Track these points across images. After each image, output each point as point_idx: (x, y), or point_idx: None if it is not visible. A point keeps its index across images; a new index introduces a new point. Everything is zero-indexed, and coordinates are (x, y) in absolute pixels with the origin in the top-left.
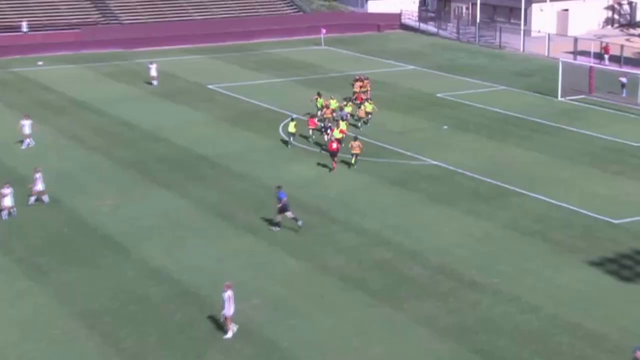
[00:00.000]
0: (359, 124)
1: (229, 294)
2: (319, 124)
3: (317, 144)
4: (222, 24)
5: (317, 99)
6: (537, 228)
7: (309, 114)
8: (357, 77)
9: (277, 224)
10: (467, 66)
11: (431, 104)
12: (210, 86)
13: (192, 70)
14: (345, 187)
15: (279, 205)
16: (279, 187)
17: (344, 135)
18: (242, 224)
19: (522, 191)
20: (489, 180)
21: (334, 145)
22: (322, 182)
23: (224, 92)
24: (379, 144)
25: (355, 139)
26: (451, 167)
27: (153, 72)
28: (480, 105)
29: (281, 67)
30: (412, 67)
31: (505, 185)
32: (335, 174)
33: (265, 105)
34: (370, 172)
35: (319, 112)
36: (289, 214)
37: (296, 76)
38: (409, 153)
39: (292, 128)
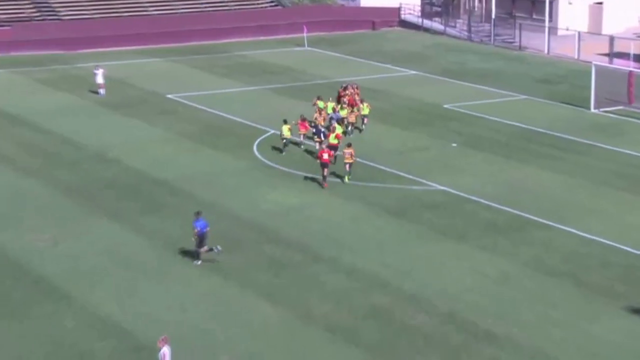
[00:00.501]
0: (349, 129)
1: (164, 351)
2: (310, 128)
3: (309, 152)
4: (184, 21)
5: (316, 102)
6: (567, 268)
7: (302, 116)
8: (345, 86)
9: (198, 255)
10: (480, 71)
11: (437, 117)
12: (170, 96)
13: (147, 77)
14: (334, 218)
15: (196, 236)
16: (197, 214)
17: (340, 141)
18: (209, 264)
19: (548, 222)
20: (507, 209)
21: (325, 156)
22: (305, 211)
23: (187, 102)
24: (373, 165)
25: (349, 145)
26: (461, 194)
27: (100, 79)
28: (497, 119)
29: (256, 73)
30: (413, 72)
31: (527, 216)
32: (321, 202)
33: (237, 119)
34: (364, 200)
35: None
36: (203, 249)
37: (274, 83)
38: (409, 176)
39: (286, 132)
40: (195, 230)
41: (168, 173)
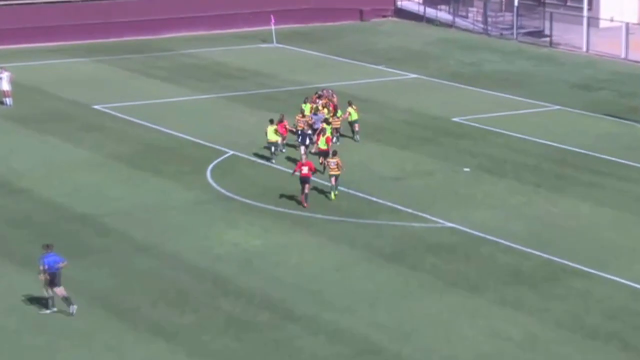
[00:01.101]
0: (334, 138)
1: None
2: (289, 132)
3: (290, 159)
4: (114, 10)
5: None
6: (612, 328)
7: (281, 115)
8: (319, 93)
9: (45, 303)
10: (499, 74)
11: (444, 133)
12: (97, 106)
13: (67, 82)
14: (311, 264)
15: (43, 274)
16: (47, 247)
17: (329, 146)
18: (148, 324)
19: (588, 269)
20: (535, 252)
21: (305, 169)
22: (274, 255)
23: (120, 115)
24: (362, 195)
25: (334, 154)
26: (475, 232)
27: (4, 85)
28: (522, 136)
29: (209, 77)
30: (413, 75)
31: (561, 261)
32: (295, 243)
33: (184, 137)
34: (350, 241)
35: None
36: (59, 290)
37: (233, 90)
38: (409, 210)
39: (271, 135)
40: (42, 268)
41: (94, 207)
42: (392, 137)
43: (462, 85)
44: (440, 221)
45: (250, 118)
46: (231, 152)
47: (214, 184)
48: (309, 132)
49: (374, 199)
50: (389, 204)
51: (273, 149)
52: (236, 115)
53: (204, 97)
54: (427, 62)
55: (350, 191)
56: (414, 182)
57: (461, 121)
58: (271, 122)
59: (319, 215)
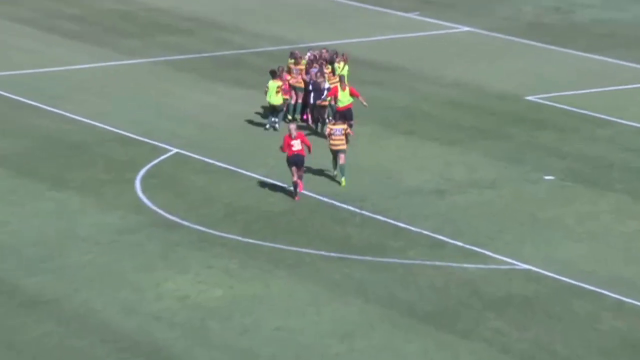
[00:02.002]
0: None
1: None
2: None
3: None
4: None
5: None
6: None
7: (281, 68)
8: (313, 54)
9: None
10: (601, 27)
11: (513, 120)
12: None
13: None
14: (300, 330)
15: None
16: None
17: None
18: None
19: None
20: None
21: (297, 145)
22: (242, 315)
23: None
24: (384, 220)
25: (344, 120)
26: (564, 279)
27: None
28: (638, 125)
29: (141, 32)
30: (465, 28)
31: None
32: (273, 295)
33: (102, 126)
34: (365, 291)
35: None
36: None
37: (178, 53)
38: (458, 242)
39: (273, 96)
40: None
41: None
42: (430, 126)
43: (543, 45)
44: (508, 260)
45: (204, 96)
46: (174, 150)
47: (147, 202)
48: (326, 85)
49: (402, 225)
50: (426, 232)
51: (273, 119)
52: (182, 91)
53: (132, 62)
54: (487, 6)
55: (364, 212)
56: (465, 198)
57: (541, 101)
58: (273, 74)
59: (313, 251)
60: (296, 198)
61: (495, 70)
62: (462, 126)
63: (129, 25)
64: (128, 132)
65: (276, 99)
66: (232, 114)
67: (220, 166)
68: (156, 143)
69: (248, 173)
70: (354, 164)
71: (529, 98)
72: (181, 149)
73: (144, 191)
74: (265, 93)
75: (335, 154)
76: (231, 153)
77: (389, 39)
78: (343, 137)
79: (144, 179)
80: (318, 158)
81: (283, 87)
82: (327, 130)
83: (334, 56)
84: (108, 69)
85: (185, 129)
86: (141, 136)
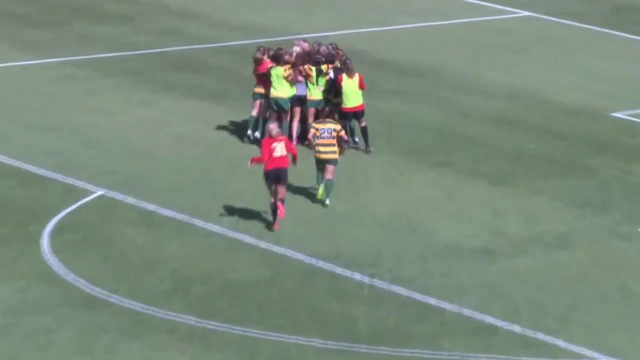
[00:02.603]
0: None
1: None
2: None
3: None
4: None
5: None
6: None
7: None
8: (317, 46)
9: None
10: None
11: (592, 146)
12: None
13: None
14: None
15: None
16: None
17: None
18: None
19: None
20: None
21: (279, 149)
22: None
23: None
24: (409, 294)
25: (331, 113)
26: None
27: None
28: None
29: (54, 17)
30: (524, 13)
31: None
32: None
33: None
34: None
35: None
36: None
37: (103, 49)
38: (515, 328)
39: (280, 85)
40: None
41: None
42: (473, 156)
43: (635, 37)
44: (588, 354)
45: (142, 111)
46: (99, 191)
47: (58, 267)
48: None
49: (433, 302)
50: (468, 312)
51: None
52: (111, 105)
53: (37, 63)
54: None
55: (377, 283)
56: (524, 261)
57: (635, 119)
58: (277, 59)
59: (302, 340)
60: (274, 226)
61: (566, 73)
62: (519, 155)
63: (33, 10)
64: (32, 164)
65: (285, 91)
66: (183, 136)
67: (165, 215)
68: (73, 181)
69: (207, 225)
70: (362, 210)
71: (617, 114)
72: (109, 190)
73: (54, 252)
74: (272, 84)
75: (321, 164)
76: (182, 195)
77: (413, 29)
78: (334, 142)
79: (54, 234)
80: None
81: (292, 76)
82: (310, 132)
83: (334, 53)
84: (4, 71)
85: (116, 160)
86: (51, 171)
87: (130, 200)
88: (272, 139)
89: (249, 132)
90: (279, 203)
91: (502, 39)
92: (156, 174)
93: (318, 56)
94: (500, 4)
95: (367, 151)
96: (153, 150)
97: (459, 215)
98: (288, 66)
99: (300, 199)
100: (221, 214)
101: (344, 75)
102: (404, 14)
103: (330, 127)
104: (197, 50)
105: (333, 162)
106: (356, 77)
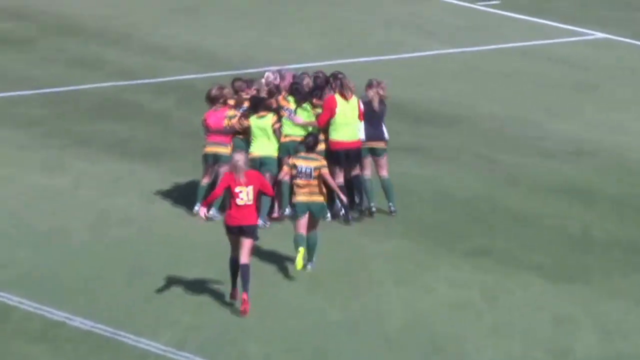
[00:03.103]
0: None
1: None
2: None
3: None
4: None
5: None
6: None
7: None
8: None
9: None
10: None
11: None
12: None
13: None
14: None
15: None
16: None
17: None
18: None
19: None
20: None
21: (242, 199)
22: None
23: None
24: None
25: (315, 144)
26: None
27: None
28: None
29: None
30: (600, 34)
31: None
32: None
33: None
34: None
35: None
36: None
37: (25, 87)
38: None
39: (266, 144)
40: None
41: None
42: (520, 237)
43: None
44: None
45: (43, 176)
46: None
47: None
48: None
49: None
50: None
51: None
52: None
53: None
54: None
55: None
56: None
57: None
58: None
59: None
60: (243, 309)
61: None
62: (589, 240)
63: None
64: None
65: (267, 150)
66: (105, 212)
67: (80, 327)
68: None
69: (139, 342)
70: (364, 319)
71: None
72: None
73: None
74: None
75: (299, 211)
76: (103, 298)
77: (434, 56)
78: (316, 183)
79: None
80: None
81: (276, 125)
82: (283, 171)
83: (327, 83)
84: None
85: (7, 248)
86: None
87: (28, 306)
88: (236, 177)
89: (197, 207)
90: (243, 294)
91: (565, 70)
92: (66, 267)
93: (297, 84)
94: (565, 23)
95: (390, 212)
96: (62, 234)
97: (503, 326)
98: (271, 117)
99: (277, 291)
100: (159, 326)
101: (336, 96)
102: (419, 34)
103: (311, 165)
104: (123, 88)
105: (320, 209)
106: (354, 100)
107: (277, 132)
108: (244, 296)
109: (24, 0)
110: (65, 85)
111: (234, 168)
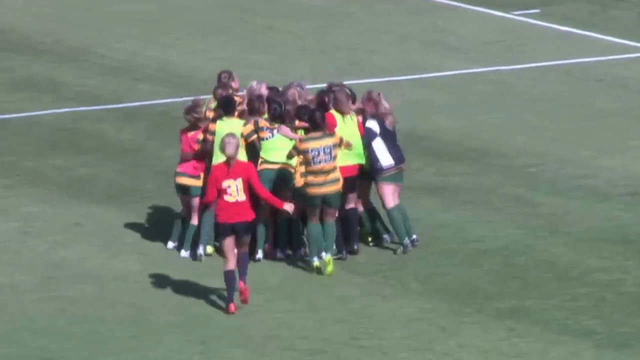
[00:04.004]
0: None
1: None
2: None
3: None
4: None
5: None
6: None
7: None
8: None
9: None
10: None
11: None
12: None
13: None
14: None
15: None
16: None
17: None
18: None
19: None
20: None
21: (233, 195)
22: None
23: None
24: None
25: (319, 122)
26: None
27: None
28: None
29: None
30: None
31: None
32: None
33: None
34: None
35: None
36: None
37: None
38: None
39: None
40: None
41: None
42: (562, 295)
43: None
44: None
45: None
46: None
47: None
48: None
49: None
50: None
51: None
52: None
53: None
54: None
55: None
56: None
57: None
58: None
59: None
60: (230, 308)
61: None
62: None
63: None
64: None
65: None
66: (58, 268)
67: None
68: None
69: None
70: None
71: None
72: None
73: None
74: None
75: (315, 203)
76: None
77: (462, 76)
78: (335, 166)
79: None
80: None
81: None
82: (297, 147)
83: (344, 97)
84: None
85: None
86: None
87: None
88: (225, 167)
89: (184, 252)
90: (240, 282)
91: (620, 94)
92: (10, 335)
93: (275, 105)
94: (621, 37)
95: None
96: (6, 293)
97: None
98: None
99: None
100: None
101: (334, 112)
102: (442, 50)
103: (328, 144)
104: (82, 114)
105: (336, 198)
106: (354, 116)
107: (257, 143)
108: (241, 285)
109: None
110: (10, 111)
111: (225, 149)
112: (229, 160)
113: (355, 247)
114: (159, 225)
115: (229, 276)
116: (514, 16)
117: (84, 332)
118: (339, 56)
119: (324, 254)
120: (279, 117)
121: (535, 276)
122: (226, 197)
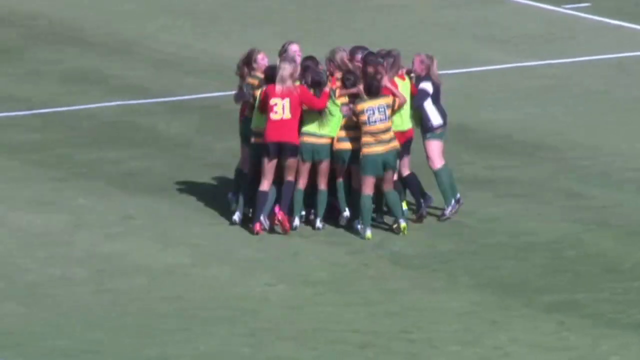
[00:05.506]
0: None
1: None
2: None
3: None
4: None
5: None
6: None
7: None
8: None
9: None
10: None
11: None
12: None
13: None
14: None
15: None
16: None
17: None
18: None
19: None
20: None
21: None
22: None
23: None
24: None
25: (374, 88)
26: None
27: None
28: None
29: None
30: None
31: None
32: None
33: None
34: None
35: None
36: None
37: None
38: None
39: (330, 126)
40: None
41: None
42: (613, 288)
43: None
44: None
45: (31, 214)
46: None
47: None
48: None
49: None
50: None
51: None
52: None
53: None
54: None
55: None
56: None
57: None
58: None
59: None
60: (255, 227)
61: None
62: None
63: None
64: None
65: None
66: (109, 262)
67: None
68: None
69: None
70: None
71: None
72: None
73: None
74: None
75: (375, 166)
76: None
77: (506, 70)
78: (390, 126)
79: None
80: None
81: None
82: (354, 109)
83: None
84: None
85: None
86: None
87: None
88: (274, 87)
89: (236, 216)
90: (280, 213)
91: None
92: (61, 327)
93: (318, 73)
94: None
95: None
96: (57, 286)
97: None
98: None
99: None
100: None
101: (396, 78)
102: (490, 43)
103: (382, 103)
104: (132, 108)
105: (394, 158)
106: (408, 80)
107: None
108: (281, 215)
109: (9, 4)
110: (62, 104)
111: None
112: (280, 83)
113: (424, 212)
114: (209, 218)
115: (262, 196)
116: (565, 10)
117: (134, 324)
118: (391, 48)
119: (401, 220)
120: (318, 84)
121: (586, 269)
122: (272, 115)
